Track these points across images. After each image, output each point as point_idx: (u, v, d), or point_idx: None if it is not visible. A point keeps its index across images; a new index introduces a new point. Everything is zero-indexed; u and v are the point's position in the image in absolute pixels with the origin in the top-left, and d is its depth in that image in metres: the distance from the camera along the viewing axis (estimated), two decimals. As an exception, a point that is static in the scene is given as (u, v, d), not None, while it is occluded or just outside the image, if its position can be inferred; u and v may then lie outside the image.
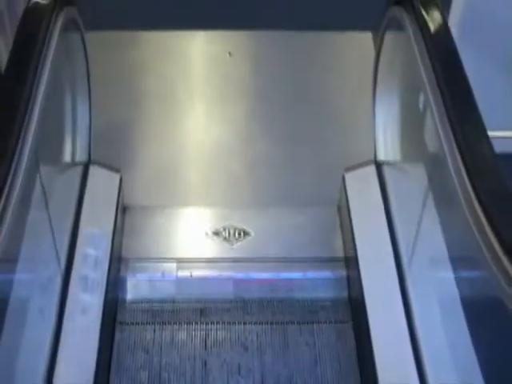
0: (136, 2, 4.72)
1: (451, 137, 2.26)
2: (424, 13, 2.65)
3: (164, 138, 3.92)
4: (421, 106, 2.85)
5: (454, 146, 2.22)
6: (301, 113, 4.07)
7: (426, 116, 2.76)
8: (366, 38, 4.42)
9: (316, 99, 4.17)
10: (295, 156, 3.83)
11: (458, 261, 2.62)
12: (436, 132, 2.38)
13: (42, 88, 2.42)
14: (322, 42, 4.54)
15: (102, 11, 4.34)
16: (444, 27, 2.63)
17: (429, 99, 2.49)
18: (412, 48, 2.69)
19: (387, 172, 3.32)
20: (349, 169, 3.43)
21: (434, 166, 2.66)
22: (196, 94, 4.22)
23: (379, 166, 3.37)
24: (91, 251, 3.05)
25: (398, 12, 2.89)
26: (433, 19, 2.63)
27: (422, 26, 2.63)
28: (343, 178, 3.41)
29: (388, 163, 3.36)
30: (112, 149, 3.69)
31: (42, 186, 2.57)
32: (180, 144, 3.91)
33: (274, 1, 4.78)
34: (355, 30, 4.50)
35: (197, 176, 3.78)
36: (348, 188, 3.35)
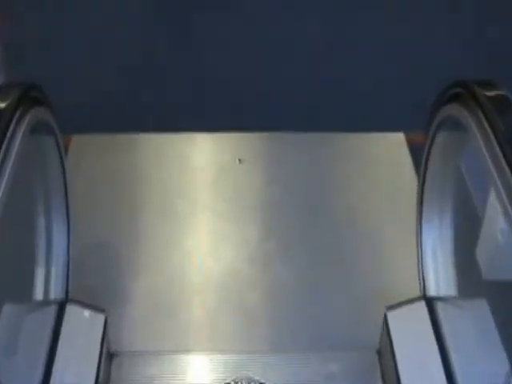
0: (131, 101, 4.58)
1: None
2: (493, 110, 2.27)
3: (161, 263, 3.51)
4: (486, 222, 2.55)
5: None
6: (325, 230, 3.68)
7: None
8: (397, 139, 4.17)
9: (342, 212, 3.77)
10: (320, 285, 3.41)
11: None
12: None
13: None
14: (347, 145, 4.21)
15: (89, 112, 4.25)
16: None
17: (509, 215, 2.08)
18: (482, 155, 2.27)
19: (441, 310, 2.88)
20: (392, 306, 2.98)
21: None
22: (200, 208, 3.84)
23: (430, 302, 2.93)
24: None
25: (456, 110, 2.52)
26: (507, 118, 2.25)
27: (494, 127, 2.23)
28: (385, 318, 2.96)
29: (442, 299, 2.93)
30: (96, 280, 3.33)
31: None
32: (180, 271, 3.50)
33: (289, 99, 4.60)
34: (384, 130, 4.23)
35: (200, 313, 3.33)
36: (392, 330, 2.89)
